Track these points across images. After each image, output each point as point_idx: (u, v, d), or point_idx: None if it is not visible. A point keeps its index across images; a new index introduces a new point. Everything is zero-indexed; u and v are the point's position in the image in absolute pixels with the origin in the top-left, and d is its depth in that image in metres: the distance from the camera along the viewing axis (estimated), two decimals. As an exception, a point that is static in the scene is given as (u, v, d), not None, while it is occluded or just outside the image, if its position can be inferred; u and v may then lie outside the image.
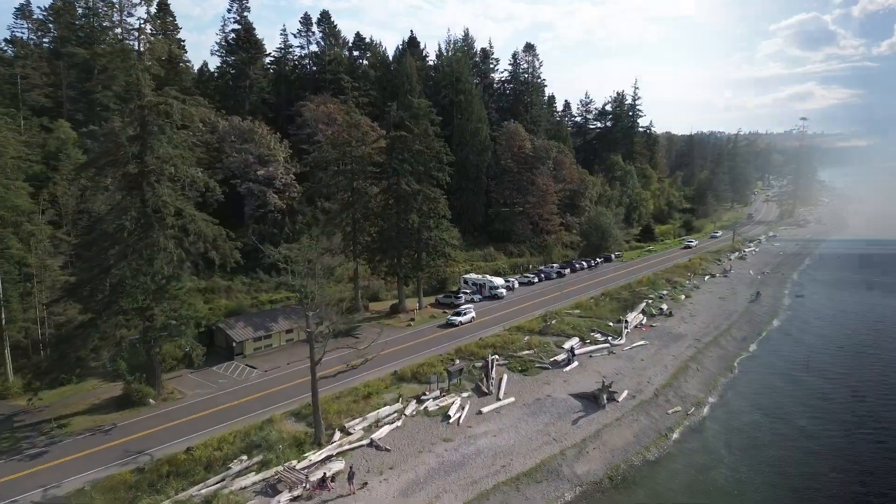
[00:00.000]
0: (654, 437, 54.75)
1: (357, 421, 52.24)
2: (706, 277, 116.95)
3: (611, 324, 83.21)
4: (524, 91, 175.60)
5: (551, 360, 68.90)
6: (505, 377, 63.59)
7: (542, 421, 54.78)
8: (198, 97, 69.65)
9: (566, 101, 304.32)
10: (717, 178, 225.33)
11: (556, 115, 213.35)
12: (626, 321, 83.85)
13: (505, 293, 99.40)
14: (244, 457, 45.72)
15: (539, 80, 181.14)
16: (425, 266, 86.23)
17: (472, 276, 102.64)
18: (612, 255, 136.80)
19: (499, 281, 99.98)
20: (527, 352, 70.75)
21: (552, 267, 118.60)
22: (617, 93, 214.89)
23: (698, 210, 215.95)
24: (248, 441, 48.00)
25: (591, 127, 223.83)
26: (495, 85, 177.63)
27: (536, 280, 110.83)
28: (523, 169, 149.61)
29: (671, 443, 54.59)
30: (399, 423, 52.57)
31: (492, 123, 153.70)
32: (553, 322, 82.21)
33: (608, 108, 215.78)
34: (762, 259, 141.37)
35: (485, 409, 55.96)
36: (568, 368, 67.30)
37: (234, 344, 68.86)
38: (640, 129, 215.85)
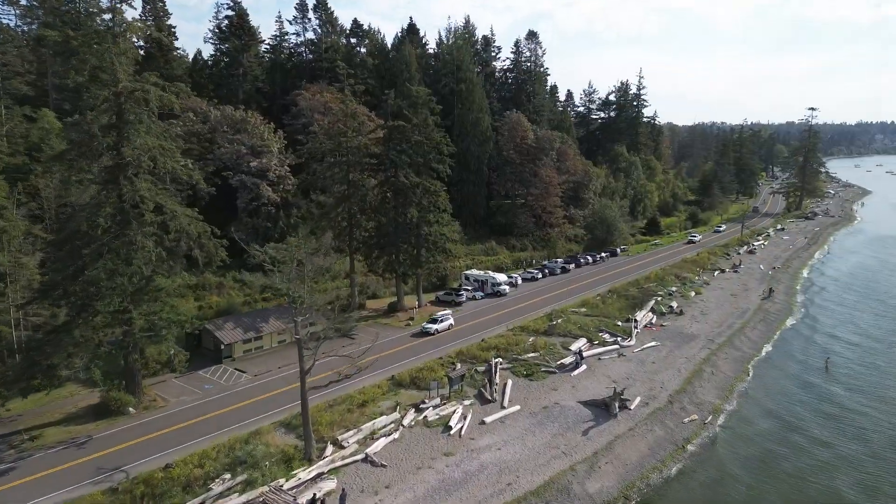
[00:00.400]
0: (671, 449, 50.98)
1: (351, 433, 48.46)
2: (716, 273, 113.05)
3: (619, 323, 79.39)
4: (526, 80, 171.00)
5: (558, 363, 65.14)
6: (509, 383, 59.84)
7: (550, 432, 51.03)
8: (180, 84, 65.00)
9: (568, 90, 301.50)
10: (722, 170, 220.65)
11: (559, 104, 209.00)
12: (636, 320, 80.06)
13: (508, 290, 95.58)
14: (227, 475, 42.02)
15: (542, 69, 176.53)
16: (424, 262, 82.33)
17: (474, 272, 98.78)
18: (618, 250, 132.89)
19: (501, 277, 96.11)
20: (532, 354, 66.98)
21: (556, 262, 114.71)
22: (621, 82, 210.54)
23: (703, 202, 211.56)
24: (233, 456, 44.29)
25: (595, 117, 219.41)
26: (497, 74, 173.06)
27: (540, 276, 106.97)
28: (526, 160, 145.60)
29: (687, 455, 50.81)
30: (396, 436, 48.82)
31: (493, 113, 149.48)
32: (559, 321, 78.45)
33: (612, 97, 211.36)
34: (772, 253, 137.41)
35: (488, 419, 52.19)
36: (576, 372, 63.54)
37: (223, 346, 65.06)
38: (645, 120, 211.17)
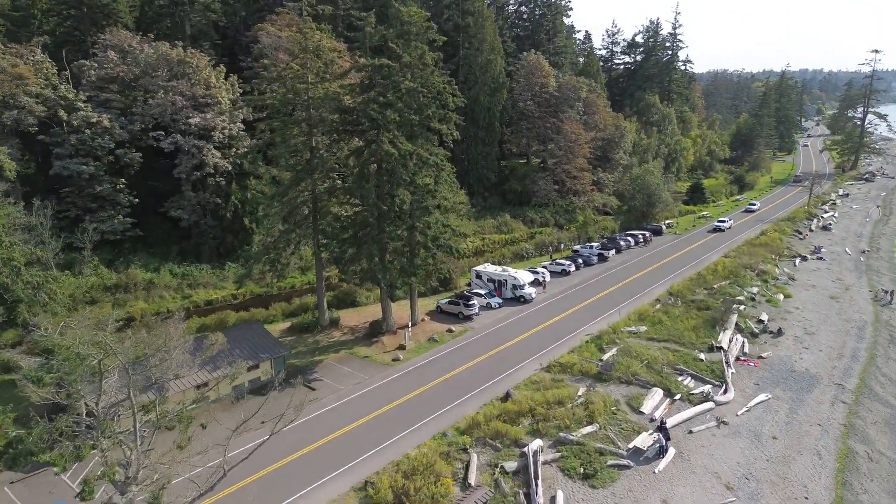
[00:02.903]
0: None
1: None
2: (797, 261, 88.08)
3: (702, 356, 54.97)
4: (545, 14, 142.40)
5: (631, 446, 40.97)
6: (560, 496, 35.78)
7: None
8: None
9: (586, 31, 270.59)
10: (761, 123, 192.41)
11: (577, 46, 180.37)
12: (723, 349, 55.86)
13: (534, 294, 70.83)
14: None
15: (563, 2, 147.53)
16: (421, 268, 57.26)
17: (488, 267, 73.84)
18: (663, 226, 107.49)
19: (524, 276, 71.23)
20: (588, 430, 42.69)
21: (591, 247, 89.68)
22: (650, 21, 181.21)
23: (742, 160, 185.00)
24: None
25: (618, 62, 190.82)
26: (510, 6, 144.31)
27: (573, 268, 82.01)
28: (546, 113, 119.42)
29: None
30: None
31: (507, 55, 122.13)
32: (614, 353, 54.30)
33: (638, 39, 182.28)
34: (849, 228, 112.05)
35: None
36: (662, 465, 39.52)
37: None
38: (680, 64, 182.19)
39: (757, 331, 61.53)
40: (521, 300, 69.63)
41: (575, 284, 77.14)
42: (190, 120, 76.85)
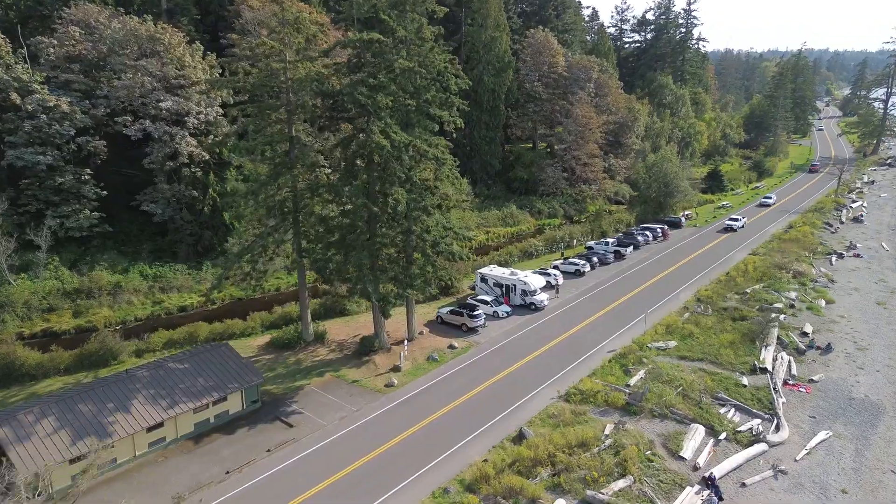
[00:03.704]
0: None
1: None
2: (833, 258, 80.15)
3: (745, 380, 47.33)
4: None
5: (675, 506, 33.52)
6: (592, 585, 28.35)
7: None
8: None
9: (593, 8, 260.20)
10: (776, 105, 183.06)
11: (584, 24, 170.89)
12: (769, 371, 48.32)
13: (546, 301, 63.09)
14: None
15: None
16: (418, 278, 49.38)
17: (494, 270, 65.98)
18: (682, 217, 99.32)
19: (535, 280, 63.44)
20: (620, 484, 35.10)
21: (606, 244, 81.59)
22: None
23: (756, 144, 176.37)
24: None
25: (628, 40, 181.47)
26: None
27: (587, 267, 74.15)
28: (555, 95, 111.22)
29: None
30: None
31: (512, 32, 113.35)
32: (642, 377, 46.83)
33: (649, 16, 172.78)
34: (881, 219, 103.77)
35: None
36: (714, 534, 32.05)
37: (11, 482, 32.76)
38: (693, 43, 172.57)
39: (803, 347, 53.81)
40: (531, 308, 61.95)
41: (591, 288, 69.37)
42: (161, 104, 68.95)
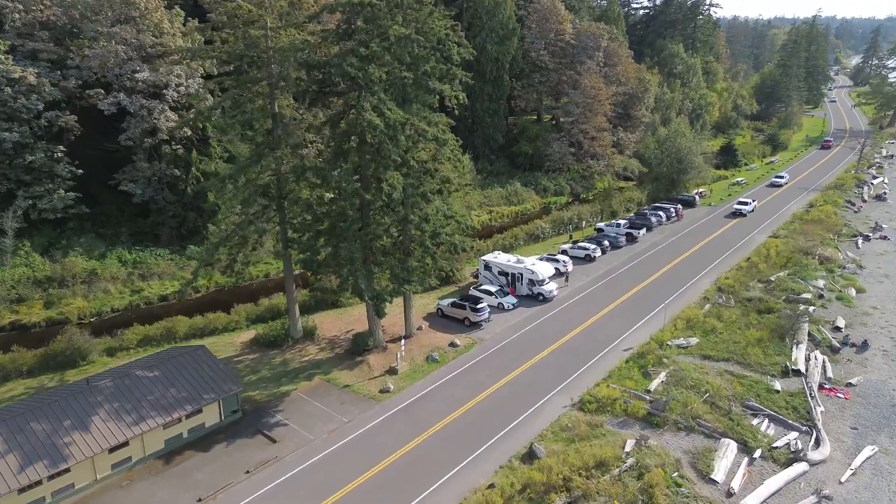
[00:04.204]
0: None
1: None
2: (859, 241, 75.27)
3: (777, 384, 42.85)
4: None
5: (709, 545, 29.22)
6: None
7: None
8: None
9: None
10: (789, 74, 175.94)
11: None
12: (803, 374, 43.90)
13: (555, 291, 58.41)
14: None
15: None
16: (415, 273, 44.58)
17: (499, 257, 61.03)
18: (696, 196, 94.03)
19: (543, 269, 58.65)
20: (647, 517, 30.88)
21: (617, 225, 76.53)
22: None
23: (768, 116, 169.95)
24: None
25: (636, 6, 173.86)
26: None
27: (598, 252, 69.28)
28: (562, 64, 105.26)
29: None
30: None
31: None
32: (663, 379, 42.45)
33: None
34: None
35: None
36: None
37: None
38: (706, 8, 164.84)
39: (837, 344, 49.27)
40: (539, 298, 57.30)
41: (602, 275, 64.65)
42: (137, 75, 63.46)
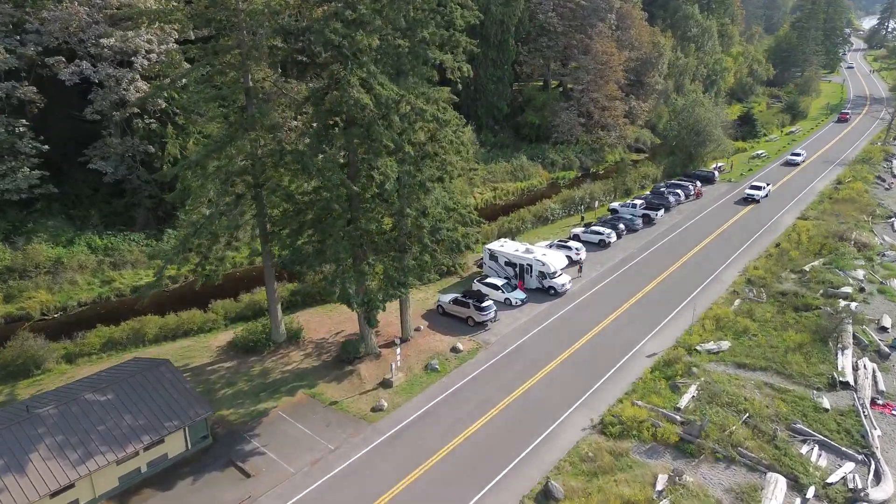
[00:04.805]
0: None
1: None
2: (894, 223, 69.42)
3: (824, 401, 37.45)
4: None
5: None
6: None
7: None
8: None
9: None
10: (806, 37, 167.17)
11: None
12: (851, 385, 38.72)
13: (568, 284, 52.79)
14: None
15: None
16: (412, 273, 38.91)
17: (506, 246, 55.23)
18: (714, 171, 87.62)
19: (555, 259, 52.93)
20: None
21: (633, 206, 70.54)
22: None
23: (784, 82, 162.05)
24: None
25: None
26: None
27: (613, 236, 63.41)
28: (571, 27, 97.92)
29: None
30: None
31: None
32: (694, 393, 37.26)
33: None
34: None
35: None
36: None
37: None
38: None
39: (885, 349, 43.87)
40: (550, 292, 51.74)
41: (619, 263, 59.00)
42: (102, 40, 56.89)
